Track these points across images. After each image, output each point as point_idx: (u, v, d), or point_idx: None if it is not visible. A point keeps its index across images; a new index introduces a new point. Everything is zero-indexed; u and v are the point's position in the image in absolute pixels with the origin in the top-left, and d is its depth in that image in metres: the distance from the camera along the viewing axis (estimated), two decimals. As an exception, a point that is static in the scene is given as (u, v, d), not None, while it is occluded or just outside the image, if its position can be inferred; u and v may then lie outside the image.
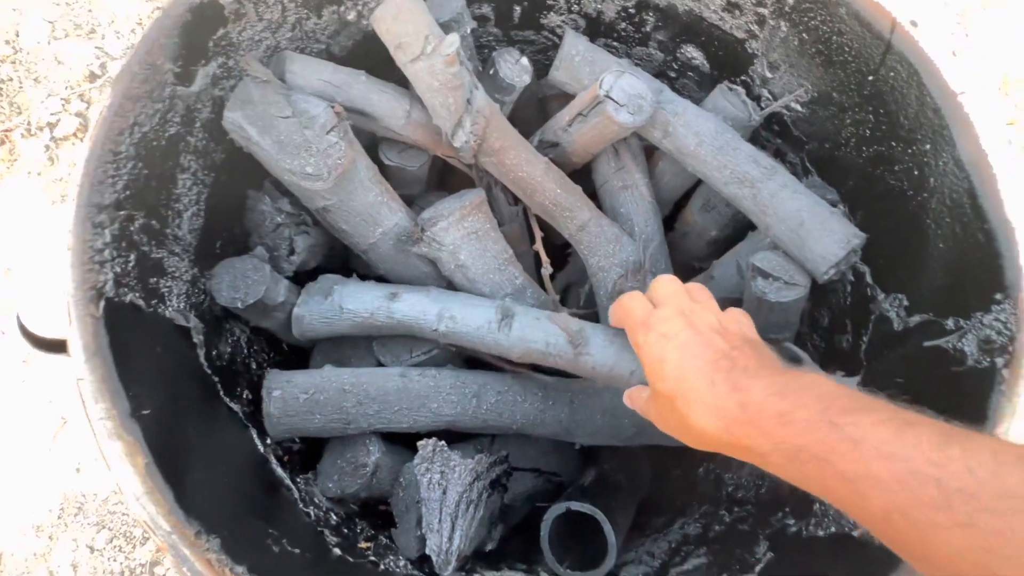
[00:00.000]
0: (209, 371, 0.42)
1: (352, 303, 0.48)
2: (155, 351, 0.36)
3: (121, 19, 1.22)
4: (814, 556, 0.38)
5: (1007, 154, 1.11)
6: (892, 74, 0.42)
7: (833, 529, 0.38)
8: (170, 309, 0.39)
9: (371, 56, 0.50)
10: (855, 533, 0.36)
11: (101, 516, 0.95)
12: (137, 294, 0.35)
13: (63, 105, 1.19)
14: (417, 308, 0.47)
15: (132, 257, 0.35)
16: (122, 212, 0.35)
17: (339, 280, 0.50)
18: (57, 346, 0.33)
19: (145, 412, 0.30)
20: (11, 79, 1.20)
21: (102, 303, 0.31)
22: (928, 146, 0.41)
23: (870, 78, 0.44)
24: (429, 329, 0.47)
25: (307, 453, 0.51)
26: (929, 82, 0.40)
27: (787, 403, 0.29)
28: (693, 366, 0.33)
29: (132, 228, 0.36)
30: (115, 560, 0.94)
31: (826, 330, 0.54)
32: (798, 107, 0.52)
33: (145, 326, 0.35)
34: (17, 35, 1.22)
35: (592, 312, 0.57)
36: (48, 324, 0.40)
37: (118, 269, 0.34)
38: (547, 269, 0.55)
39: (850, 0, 0.42)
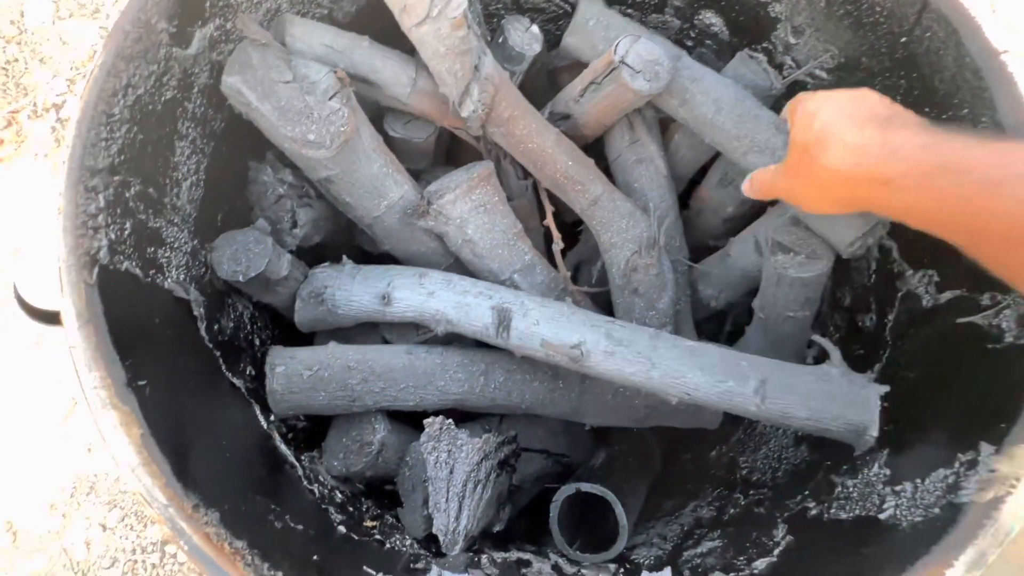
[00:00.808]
0: (210, 345, 0.41)
1: (345, 306, 0.47)
2: (153, 321, 0.35)
3: (125, -2, 1.20)
4: (836, 540, 0.36)
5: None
6: (928, 34, 0.40)
7: (858, 512, 0.36)
8: (169, 280, 0.38)
9: (376, 23, 0.48)
10: (881, 516, 0.34)
11: (112, 495, 0.96)
12: (133, 263, 0.34)
13: (68, 86, 1.18)
14: (411, 312, 0.46)
15: (128, 224, 0.34)
16: (116, 177, 0.33)
17: (330, 279, 0.47)
18: (53, 317, 0.32)
19: (142, 383, 0.29)
20: (16, 60, 1.19)
21: (96, 269, 0.30)
22: (966, 111, 0.39)
23: (903, 40, 0.42)
24: (428, 326, 0.46)
25: (312, 431, 0.50)
26: (969, 41, 0.37)
27: (933, 138, 0.30)
28: (845, 114, 0.33)
29: (128, 195, 0.34)
30: (127, 538, 0.95)
31: (848, 309, 0.52)
32: (823, 74, 0.50)
33: (143, 296, 0.34)
34: (22, 15, 1.21)
35: (604, 291, 0.56)
36: (49, 297, 0.39)
37: (113, 236, 0.32)
38: (558, 245, 0.53)
39: (884, -47, 0.40)
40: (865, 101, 0.35)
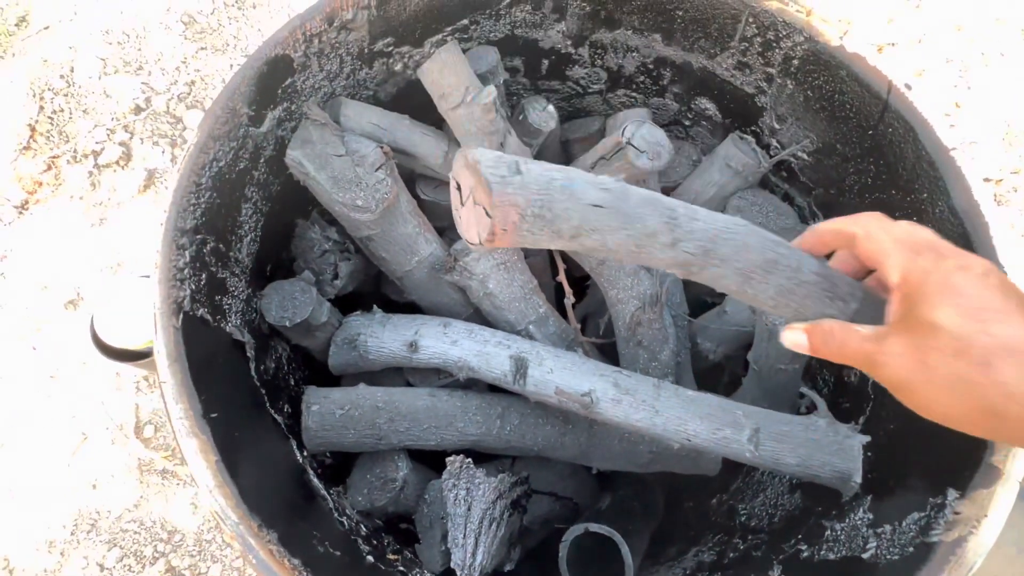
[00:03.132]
0: (258, 383, 0.45)
1: (375, 352, 0.51)
2: (218, 362, 0.39)
3: (167, 57, 1.31)
4: (826, 578, 0.39)
5: (1015, 200, 1.15)
6: (890, 130, 0.47)
7: (844, 552, 0.40)
8: (230, 324, 0.42)
9: (411, 102, 0.55)
10: (864, 556, 0.38)
11: (113, 534, 0.96)
12: (206, 309, 0.39)
13: (108, 135, 1.26)
14: (436, 360, 0.50)
15: (203, 276, 0.39)
16: (198, 236, 0.39)
17: (363, 326, 0.52)
18: (125, 355, 0.37)
19: (213, 415, 0.33)
20: (63, 110, 1.28)
21: (180, 316, 0.35)
22: (925, 195, 0.45)
23: (870, 132, 0.49)
24: (451, 372, 0.50)
25: (337, 468, 0.53)
26: (924, 138, 0.44)
27: None
28: (1016, 308, 0.24)
29: (205, 250, 0.40)
30: (124, 580, 0.94)
31: (835, 366, 0.57)
32: (804, 156, 0.56)
33: (211, 339, 0.39)
34: (72, 70, 1.31)
35: (610, 341, 0.60)
36: (116, 336, 0.43)
37: (193, 287, 0.38)
38: (570, 299, 0.59)
39: (849, 63, 0.47)
40: (1019, 290, 0.26)
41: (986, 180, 1.18)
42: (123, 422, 1.00)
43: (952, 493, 0.34)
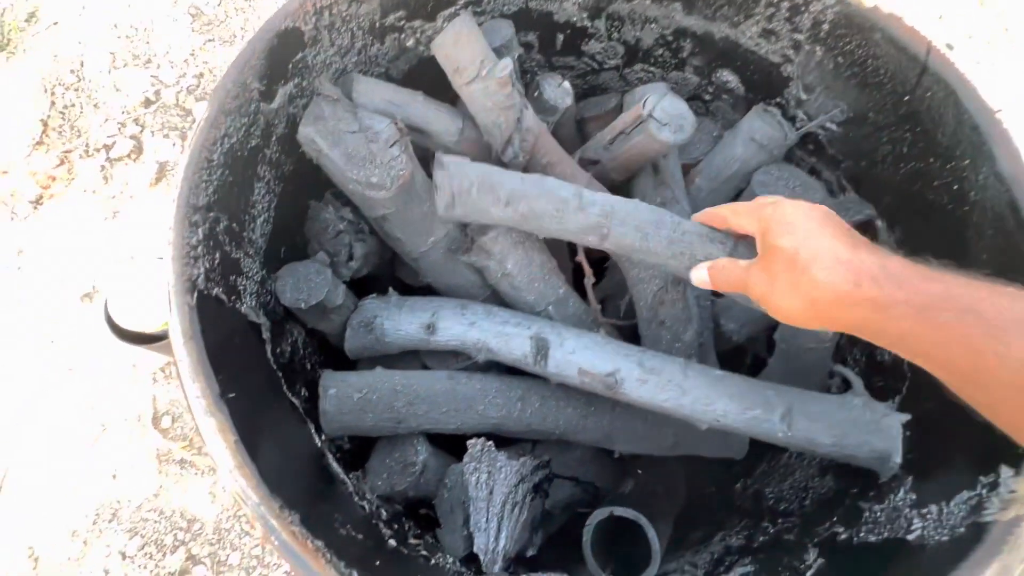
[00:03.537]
0: (275, 366, 0.44)
1: (392, 335, 0.50)
2: (234, 342, 0.38)
3: (176, 50, 1.31)
4: (867, 561, 0.38)
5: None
6: (928, 94, 0.44)
7: (886, 534, 0.38)
8: (245, 306, 0.42)
9: (425, 79, 0.53)
10: (909, 537, 0.36)
11: (134, 523, 0.97)
12: (221, 289, 0.38)
13: (119, 129, 1.26)
14: (454, 342, 0.49)
15: (217, 255, 0.38)
16: (211, 214, 0.38)
17: (379, 309, 0.51)
18: (140, 338, 0.36)
19: (231, 395, 0.32)
20: (73, 105, 1.28)
21: (195, 294, 0.34)
22: (967, 162, 0.43)
23: (906, 98, 0.46)
24: (470, 354, 0.49)
25: (355, 453, 0.52)
26: (967, 101, 0.42)
27: (933, 270, 0.29)
28: (832, 230, 0.32)
29: (218, 229, 0.39)
30: (145, 568, 0.96)
31: (867, 344, 0.55)
32: (833, 127, 0.54)
33: (226, 319, 0.38)
34: (82, 64, 1.31)
35: (632, 323, 0.59)
36: (131, 319, 0.43)
37: (207, 265, 0.37)
38: (590, 279, 0.57)
39: (885, 25, 0.45)
40: (838, 220, 0.33)
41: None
42: (141, 413, 1.00)
43: (1006, 471, 0.33)
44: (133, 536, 0.98)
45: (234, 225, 0.41)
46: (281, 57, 0.43)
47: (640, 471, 0.61)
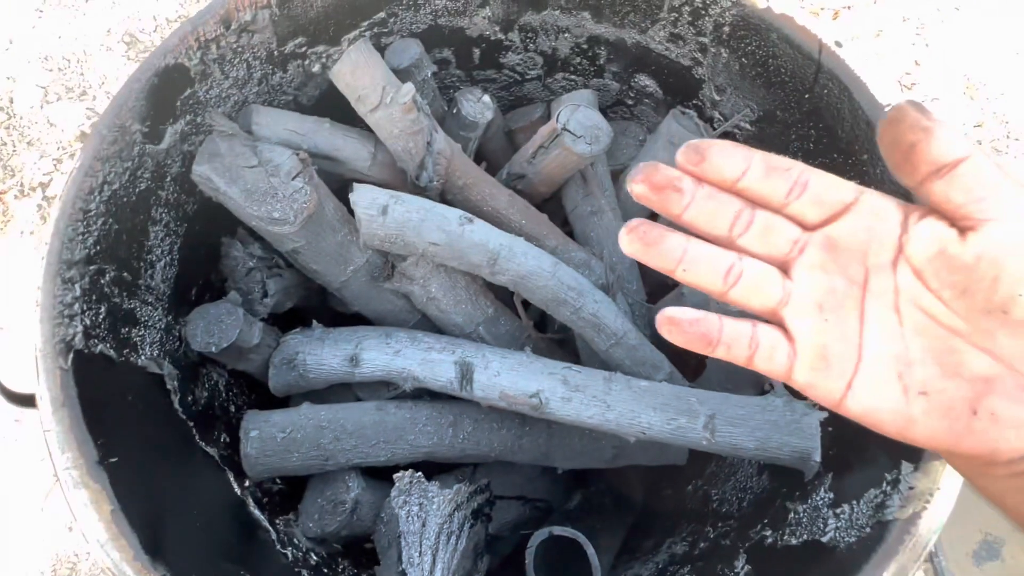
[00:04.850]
0: (184, 416, 0.42)
1: (316, 371, 0.49)
2: (126, 399, 0.37)
3: (111, 79, 1.27)
4: (788, 565, 0.38)
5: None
6: (825, 91, 0.45)
7: (805, 537, 0.38)
8: (143, 358, 0.40)
9: (339, 104, 0.52)
10: (824, 539, 0.36)
11: (94, 574, 0.93)
12: (108, 344, 0.36)
13: (55, 165, 1.22)
14: (379, 372, 0.48)
15: (103, 309, 0.36)
16: (92, 267, 0.36)
17: (301, 344, 0.50)
18: (30, 400, 0.34)
19: (113, 460, 0.30)
20: (5, 143, 1.24)
21: (71, 356, 0.32)
22: (865, 156, 0.43)
23: (807, 96, 0.47)
24: (397, 384, 0.48)
25: (289, 495, 0.51)
26: (859, 97, 0.42)
27: None
28: None
29: (103, 281, 0.37)
30: (108, 619, 0.92)
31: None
32: (747, 126, 0.54)
33: (116, 376, 0.36)
34: (11, 101, 1.27)
35: (569, 335, 0.58)
36: (28, 380, 0.41)
37: (88, 322, 0.35)
38: (519, 297, 0.56)
39: (779, 25, 0.45)
40: None
41: (950, 135, 1.17)
42: (89, 460, 0.97)
43: (907, 466, 0.33)
44: (93, 590, 0.94)
45: (125, 274, 0.40)
46: (165, 96, 0.41)
47: (591, 482, 0.60)
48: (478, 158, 0.58)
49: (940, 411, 0.20)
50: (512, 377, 0.46)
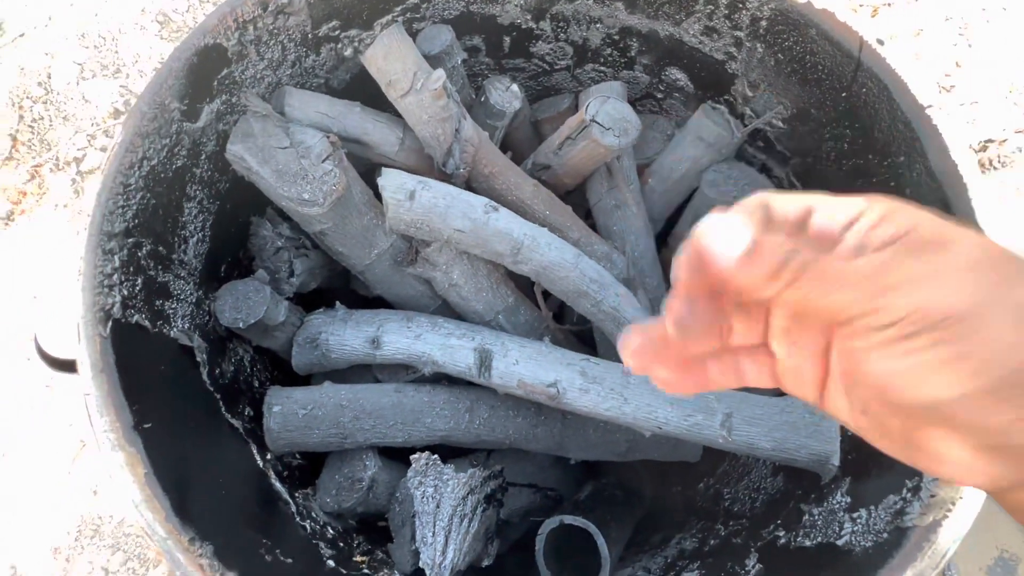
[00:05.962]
0: (211, 388, 0.44)
1: (338, 351, 0.50)
2: (159, 369, 0.38)
3: (144, 58, 1.30)
4: (801, 566, 0.38)
5: (1020, 160, 1.11)
6: (864, 90, 0.44)
7: (819, 539, 0.38)
8: (175, 329, 0.41)
9: (369, 88, 0.53)
10: (839, 542, 0.36)
11: (116, 538, 0.97)
12: (143, 315, 0.38)
13: (89, 141, 1.25)
14: (400, 355, 0.49)
15: (139, 281, 0.38)
16: (131, 239, 0.37)
17: (324, 324, 0.51)
18: (69, 366, 0.35)
19: (147, 425, 0.32)
20: (42, 118, 1.27)
21: (109, 324, 0.33)
22: (902, 158, 0.42)
23: (844, 95, 0.46)
24: (416, 367, 0.49)
25: (308, 469, 0.52)
26: (899, 97, 0.41)
27: None
28: None
29: (140, 254, 0.38)
30: (129, 582, 0.96)
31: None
32: (779, 124, 0.54)
33: (150, 346, 0.38)
34: (49, 77, 1.30)
35: (587, 328, 0.58)
36: (64, 346, 0.43)
37: (125, 292, 0.36)
38: (539, 287, 0.57)
39: (818, 21, 0.44)
40: None
41: (989, 141, 1.13)
42: (115, 428, 1.00)
43: (928, 475, 0.32)
44: (115, 551, 0.98)
45: (160, 248, 0.41)
46: (203, 75, 0.42)
47: (602, 475, 0.61)
48: (504, 147, 0.58)
49: (879, 432, 0.20)
50: (530, 366, 0.47)
